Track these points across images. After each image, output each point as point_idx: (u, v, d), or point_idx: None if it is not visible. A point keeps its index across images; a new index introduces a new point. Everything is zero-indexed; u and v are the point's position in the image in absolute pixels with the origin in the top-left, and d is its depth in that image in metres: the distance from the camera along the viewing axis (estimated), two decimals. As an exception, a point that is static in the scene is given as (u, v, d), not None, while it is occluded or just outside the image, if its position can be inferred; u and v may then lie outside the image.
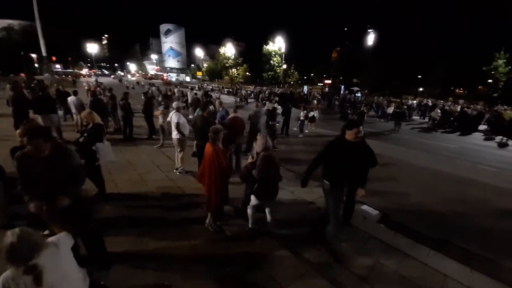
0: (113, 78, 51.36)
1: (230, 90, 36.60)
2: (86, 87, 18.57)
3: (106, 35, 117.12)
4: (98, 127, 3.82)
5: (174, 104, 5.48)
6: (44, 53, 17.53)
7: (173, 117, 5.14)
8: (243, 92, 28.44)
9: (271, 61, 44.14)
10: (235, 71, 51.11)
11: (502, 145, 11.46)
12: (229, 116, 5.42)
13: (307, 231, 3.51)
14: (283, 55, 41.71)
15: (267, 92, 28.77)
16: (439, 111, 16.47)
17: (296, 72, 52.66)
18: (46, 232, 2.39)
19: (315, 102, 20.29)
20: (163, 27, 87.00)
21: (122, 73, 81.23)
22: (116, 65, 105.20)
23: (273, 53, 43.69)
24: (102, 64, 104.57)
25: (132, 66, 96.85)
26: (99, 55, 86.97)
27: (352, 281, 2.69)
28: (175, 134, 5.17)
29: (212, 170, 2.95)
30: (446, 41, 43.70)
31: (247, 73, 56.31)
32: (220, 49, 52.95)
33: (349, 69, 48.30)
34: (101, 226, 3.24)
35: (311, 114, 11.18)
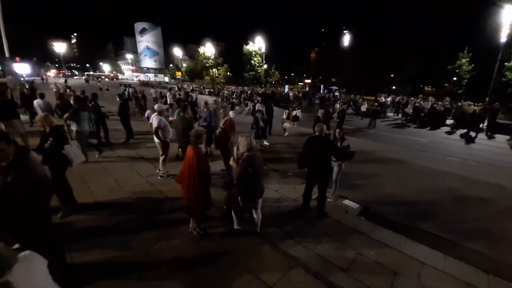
0: (84, 79, 48.24)
1: (212, 90, 36.11)
2: (54, 89, 17.29)
3: (75, 34, 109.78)
4: (58, 129, 3.52)
5: (156, 107, 5.23)
6: (7, 54, 16.01)
7: (153, 120, 4.91)
8: (225, 92, 28.18)
9: (252, 61, 44.23)
10: (216, 71, 50.55)
11: (463, 136, 12.53)
12: (226, 119, 5.28)
13: (292, 228, 3.58)
14: (264, 55, 42.00)
15: (249, 92, 28.77)
16: (411, 107, 17.56)
17: (277, 72, 53.26)
18: (17, 245, 2.18)
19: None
20: (138, 26, 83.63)
21: (94, 74, 76.66)
22: (87, 65, 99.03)
23: (253, 53, 43.81)
24: (71, 64, 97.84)
25: (106, 66, 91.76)
26: (68, 55, 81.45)
27: (334, 273, 2.78)
28: (156, 138, 4.99)
29: (192, 174, 2.88)
30: (416, 42, 46.73)
31: (228, 73, 55.93)
32: (199, 49, 52.04)
33: (327, 69, 49.89)
34: (75, 238, 3.06)
35: (293, 113, 11.37)
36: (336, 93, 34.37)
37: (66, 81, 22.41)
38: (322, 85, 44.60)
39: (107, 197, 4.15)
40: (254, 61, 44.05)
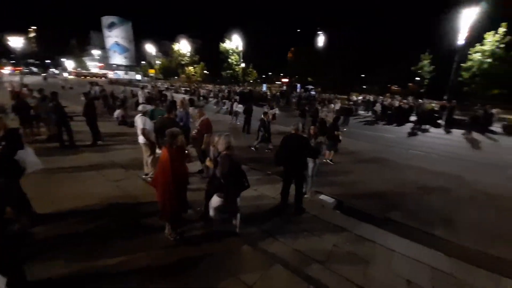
0: (44, 76, 43.86)
1: (188, 89, 35.09)
2: (8, 88, 15.50)
3: (33, 27, 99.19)
4: (12, 132, 3.17)
5: (140, 107, 5.02)
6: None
7: (138, 121, 4.70)
8: (202, 91, 27.54)
9: (229, 60, 43.78)
10: (192, 69, 49.17)
11: (424, 131, 13.75)
12: (202, 119, 5.13)
13: (271, 225, 3.60)
14: (241, 53, 41.82)
15: (226, 91, 28.48)
16: (379, 106, 18.73)
17: (254, 71, 53.33)
18: None
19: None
20: (106, 20, 78.12)
21: (56, 71, 70.11)
22: (48, 61, 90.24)
23: (230, 51, 43.39)
24: (30, 60, 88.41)
25: (69, 63, 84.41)
26: (26, 50, 73.44)
27: (312, 266, 2.86)
28: (141, 139, 4.75)
29: (166, 176, 2.76)
30: (384, 44, 49.84)
31: (205, 72, 54.73)
32: (173, 46, 50.15)
33: (303, 68, 51.17)
34: (37, 252, 2.78)
35: (272, 112, 11.42)
36: (312, 92, 35.42)
37: (21, 79, 20.12)
38: (298, 84, 45.66)
39: (72, 206, 3.81)
40: (232, 59, 43.67)
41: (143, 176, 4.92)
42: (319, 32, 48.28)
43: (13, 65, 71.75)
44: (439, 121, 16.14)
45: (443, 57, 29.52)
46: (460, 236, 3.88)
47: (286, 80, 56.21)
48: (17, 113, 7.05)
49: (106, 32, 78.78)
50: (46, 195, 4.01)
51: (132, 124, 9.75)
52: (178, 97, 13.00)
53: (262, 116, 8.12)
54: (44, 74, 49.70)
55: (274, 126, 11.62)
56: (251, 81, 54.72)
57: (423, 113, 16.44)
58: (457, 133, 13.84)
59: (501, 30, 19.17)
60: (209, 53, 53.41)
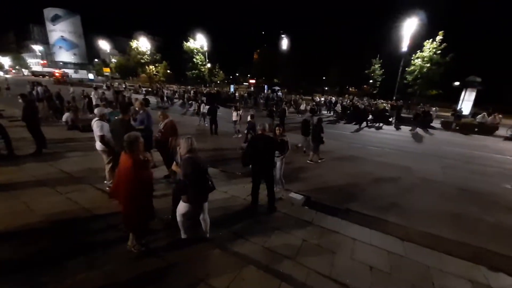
0: None
1: (150, 89, 33.00)
2: None
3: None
4: None
5: (97, 110, 4.51)
6: None
7: (94, 126, 4.25)
8: (166, 91, 26.13)
9: (194, 59, 42.45)
10: (154, 69, 46.37)
11: (378, 128, 15.28)
12: (166, 121, 4.82)
13: (242, 227, 3.59)
14: (206, 53, 40.88)
15: (192, 91, 27.57)
16: (339, 106, 20.18)
17: (221, 72, 52.66)
18: None
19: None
20: (49, 12, 69.26)
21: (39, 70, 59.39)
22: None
23: (195, 50, 42.11)
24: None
25: (5, 60, 72.56)
26: None
27: (283, 263, 2.93)
28: (98, 145, 4.31)
29: (130, 184, 2.54)
30: (340, 49, 53.88)
31: (168, 71, 52.12)
32: (131, 43, 46.61)
33: (269, 70, 52.37)
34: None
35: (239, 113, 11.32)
36: (279, 93, 36.41)
37: None
38: (265, 85, 46.54)
39: (13, 225, 3.27)
40: (197, 59, 42.40)
41: (107, 184, 4.48)
42: (282, 35, 49.91)
43: None
44: (390, 119, 18.07)
45: (391, 62, 33.08)
46: (408, 220, 4.38)
47: (253, 81, 56.84)
48: None
49: (50, 26, 69.95)
50: (-26, 215, 3.37)
51: (83, 129, 8.83)
52: (139, 98, 12.14)
53: (250, 118, 8.11)
54: None
55: (241, 127, 11.65)
56: (218, 81, 53.97)
57: (377, 112, 18.22)
58: (405, 129, 15.65)
59: (438, 38, 22.28)
60: (171, 52, 51.08)
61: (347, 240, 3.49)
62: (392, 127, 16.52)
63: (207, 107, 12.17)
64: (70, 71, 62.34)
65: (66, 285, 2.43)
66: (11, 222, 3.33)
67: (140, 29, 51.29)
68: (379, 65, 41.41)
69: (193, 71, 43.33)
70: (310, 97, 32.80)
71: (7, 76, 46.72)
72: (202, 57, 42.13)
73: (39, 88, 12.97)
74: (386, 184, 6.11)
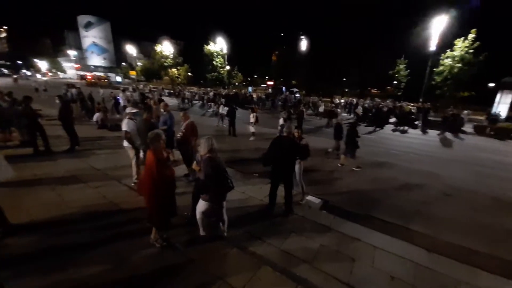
0: (15, 78, 40.91)
1: (172, 91, 34.33)
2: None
3: (5, 27, 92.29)
4: None
5: (128, 110, 4.91)
6: None
7: (123, 124, 4.63)
8: (187, 93, 27.05)
9: (214, 62, 43.46)
10: (176, 71, 48.21)
11: (403, 132, 14.50)
12: (187, 122, 5.04)
13: (259, 228, 3.61)
14: (226, 56, 41.68)
15: (212, 93, 28.22)
16: (361, 108, 19.48)
17: (239, 74, 53.34)
18: None
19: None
20: (82, 19, 74.69)
21: (28, 72, 65.74)
22: (19, 62, 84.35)
23: (215, 53, 43.10)
24: (0, 61, 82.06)
25: (43, 64, 79.55)
26: (-7, 49, 68.17)
27: (300, 267, 2.90)
28: (125, 142, 4.64)
29: (153, 180, 2.69)
30: (362, 48, 52.02)
31: (189, 74, 53.89)
32: (156, 47, 48.91)
33: (287, 71, 52.06)
34: (10, 265, 2.59)
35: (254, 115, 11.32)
36: (297, 95, 36.05)
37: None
38: (283, 87, 46.33)
39: (48, 215, 3.59)
40: (216, 62, 43.35)
41: (133, 180, 4.76)
42: (301, 36, 49.43)
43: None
44: (416, 122, 17.10)
45: (418, 62, 31.37)
46: (436, 230, 4.11)
47: (271, 83, 56.83)
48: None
49: (83, 32, 75.35)
50: (20, 204, 3.75)
51: (111, 128, 9.43)
52: (154, 99, 12.65)
53: (283, 121, 8.00)
54: (15, 76, 46.37)
55: (259, 128, 11.70)
56: (237, 83, 54.70)
57: (401, 114, 17.33)
58: (432, 133, 14.71)
59: (471, 36, 20.73)
60: (193, 55, 52.71)
61: (367, 248, 3.36)
62: (418, 131, 15.61)
63: (226, 108, 12.40)
64: (100, 74, 66.89)
65: (96, 271, 2.61)
66: (48, 212, 3.65)
67: (164, 34, 53.68)
68: (404, 65, 39.42)
69: (213, 74, 44.35)
70: (329, 99, 32.04)
71: (44, 78, 51.21)
72: (222, 60, 42.99)
73: (73, 90, 14.07)
74: (411, 191, 5.79)
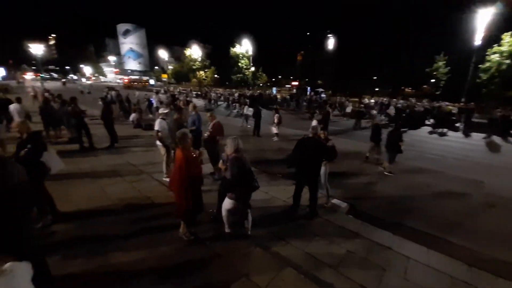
0: (63, 82, 46.24)
1: (199, 93, 35.76)
2: (31, 93, 16.43)
3: (53, 35, 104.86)
4: (36, 135, 3.37)
5: (160, 110, 5.34)
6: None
7: (155, 124, 5.05)
8: (213, 94, 27.99)
9: (239, 64, 44.27)
10: (203, 74, 50.12)
11: (442, 135, 13.26)
12: (214, 122, 5.26)
13: (282, 229, 3.59)
14: (251, 57, 42.18)
15: (237, 94, 28.76)
16: (393, 108, 18.29)
17: (264, 75, 53.57)
18: None
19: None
20: (121, 27, 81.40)
21: (74, 77, 73.61)
22: (67, 67, 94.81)
23: (240, 55, 43.88)
24: (50, 67, 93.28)
25: (87, 69, 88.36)
26: (47, 56, 77.65)
27: (325, 271, 2.83)
28: (158, 142, 5.03)
29: (181, 177, 2.84)
30: (395, 45, 48.77)
31: (216, 76, 55.64)
32: (185, 51, 51.37)
33: (313, 71, 50.95)
34: (57, 249, 2.92)
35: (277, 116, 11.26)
36: (323, 95, 35.08)
37: (42, 84, 21.28)
38: (308, 87, 45.41)
39: (91, 205, 3.99)
40: (241, 63, 44.10)
41: (164, 176, 5.09)
42: (329, 35, 48.03)
43: (34, 71, 75.90)
44: (457, 124, 15.54)
45: (459, 58, 28.50)
46: (478, 243, 3.71)
47: (295, 83, 56.07)
48: (43, 116, 7.48)
49: (121, 39, 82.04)
50: (66, 194, 4.21)
51: (146, 127, 10.13)
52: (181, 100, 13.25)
53: (316, 123, 7.78)
54: (64, 80, 52.33)
55: (283, 129, 11.62)
56: (261, 84, 55.00)
57: (440, 115, 15.89)
58: (477, 136, 13.26)
59: None
60: (219, 58, 54.30)
61: (399, 258, 3.15)
62: (459, 134, 14.16)
63: (251, 109, 12.55)
64: (135, 78, 72.24)
65: (131, 259, 2.84)
66: (91, 203, 4.06)
67: (193, 38, 56.06)
68: (444, 62, 35.98)
69: (238, 75, 45.19)
70: (357, 99, 30.58)
71: (88, 82, 56.80)
72: (247, 61, 43.60)
73: (113, 93, 15.40)
74: (450, 200, 5.28)
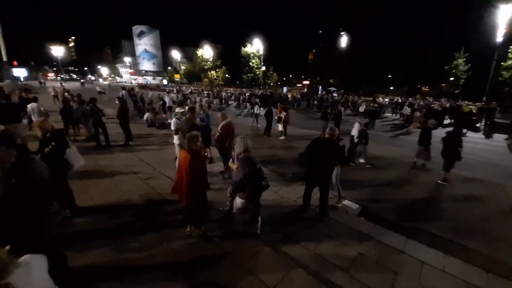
0: (82, 82, 48.38)
1: (210, 92, 36.17)
2: (52, 93, 17.29)
3: (73, 37, 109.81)
4: (59, 132, 3.55)
5: (177, 109, 5.60)
6: (4, 58, 15.91)
7: (172, 123, 5.33)
8: (224, 94, 28.24)
9: (250, 63, 44.41)
10: (214, 73, 50.69)
11: (462, 135, 12.62)
12: (223, 123, 5.34)
13: (292, 229, 3.58)
14: (262, 57, 42.19)
15: (247, 94, 28.86)
16: (408, 108, 17.65)
17: (275, 74, 53.42)
18: (7, 248, 2.17)
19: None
20: (136, 29, 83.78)
21: (92, 77, 76.72)
22: (85, 68, 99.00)
23: (251, 55, 44.00)
24: (69, 68, 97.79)
25: (104, 70, 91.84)
26: (66, 58, 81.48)
27: (335, 273, 2.79)
28: (175, 139, 5.27)
29: (188, 176, 2.90)
30: (411, 43, 47.09)
31: (227, 75, 56.09)
32: (197, 51, 52.20)
33: (325, 70, 50.21)
34: (74, 241, 3.06)
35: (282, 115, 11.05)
36: (335, 94, 34.49)
37: (61, 84, 22.28)
38: (320, 86, 44.79)
39: (106, 200, 4.15)
40: (252, 63, 44.26)
41: None
42: (342, 33, 47.09)
43: (55, 72, 79.80)
44: (477, 125, 14.79)
45: (480, 56, 27.10)
46: (497, 250, 3.52)
47: (307, 82, 55.49)
48: (63, 115, 7.85)
49: (136, 40, 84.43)
50: (84, 190, 4.41)
51: (159, 126, 10.40)
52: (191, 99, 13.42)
53: (362, 127, 7.04)
54: (82, 80, 54.62)
55: (293, 129, 11.55)
56: (272, 83, 54.87)
57: (459, 115, 15.18)
58: (499, 137, 12.56)
59: None
60: (230, 57, 54.74)
61: (413, 262, 3.06)
62: (480, 135, 13.48)
63: (261, 109, 12.55)
64: (149, 78, 74.20)
65: (144, 254, 2.93)
66: (107, 198, 4.23)
67: (205, 38, 56.86)
68: (464, 59, 34.28)
69: (248, 74, 45.34)
70: (370, 98, 29.82)
71: (105, 82, 58.94)
72: (258, 61, 43.66)
73: (123, 92, 15.89)
74: (468, 203, 5.05)
